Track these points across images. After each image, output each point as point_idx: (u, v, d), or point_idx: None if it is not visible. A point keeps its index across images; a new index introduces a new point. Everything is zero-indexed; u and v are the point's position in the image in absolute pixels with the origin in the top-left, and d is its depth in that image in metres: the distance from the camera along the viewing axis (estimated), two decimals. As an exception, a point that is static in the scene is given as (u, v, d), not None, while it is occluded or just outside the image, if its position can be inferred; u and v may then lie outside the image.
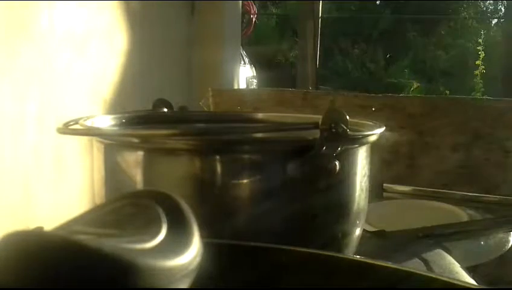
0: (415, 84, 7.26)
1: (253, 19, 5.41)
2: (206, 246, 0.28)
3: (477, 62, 7.09)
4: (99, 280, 0.21)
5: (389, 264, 0.36)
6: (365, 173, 0.55)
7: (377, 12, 9.51)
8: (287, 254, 0.38)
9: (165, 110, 0.70)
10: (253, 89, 4.84)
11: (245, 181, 0.50)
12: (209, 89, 1.34)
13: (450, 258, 0.70)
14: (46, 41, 1.35)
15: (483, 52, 7.03)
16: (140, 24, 1.76)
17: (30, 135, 1.30)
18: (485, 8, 10.81)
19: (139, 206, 0.29)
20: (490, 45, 8.05)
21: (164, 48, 1.93)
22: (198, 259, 0.26)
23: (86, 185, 1.40)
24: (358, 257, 0.43)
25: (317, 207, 0.51)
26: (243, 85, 4.60)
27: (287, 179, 0.49)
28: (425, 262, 0.67)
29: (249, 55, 5.87)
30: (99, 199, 0.56)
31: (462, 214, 0.87)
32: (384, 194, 1.05)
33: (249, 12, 5.23)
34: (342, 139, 0.48)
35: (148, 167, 0.52)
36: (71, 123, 0.56)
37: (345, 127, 0.48)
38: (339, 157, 0.50)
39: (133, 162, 0.52)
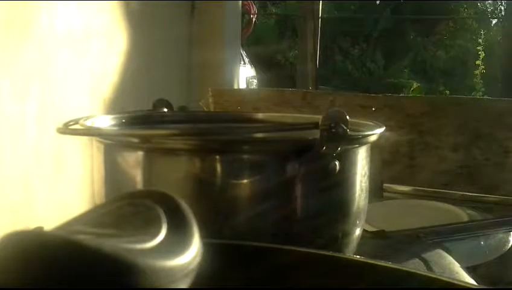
0: (415, 84, 7.26)
1: (253, 19, 5.41)
2: (206, 246, 0.28)
3: (477, 62, 7.10)
4: (99, 280, 0.21)
5: (389, 264, 0.36)
6: (365, 173, 0.55)
7: (377, 12, 9.50)
8: (287, 254, 0.38)
9: (165, 110, 0.70)
10: (253, 89, 4.84)
11: (245, 181, 0.50)
12: (209, 89, 1.34)
13: (450, 258, 0.70)
14: (46, 41, 1.35)
15: (483, 52, 7.03)
16: (140, 24, 1.76)
17: (30, 135, 1.30)
18: (485, 8, 10.81)
19: (139, 206, 0.29)
20: (490, 45, 8.06)
21: (164, 48, 1.93)
22: (198, 259, 0.26)
23: (85, 185, 1.40)
24: (358, 257, 0.43)
25: (317, 207, 0.51)
26: (243, 85, 4.60)
27: (287, 179, 0.49)
28: (425, 262, 0.67)
29: (249, 55, 5.87)
30: (99, 199, 0.56)
31: (462, 214, 0.87)
32: (384, 194, 1.05)
33: (249, 12, 5.22)
34: (342, 139, 0.48)
35: (148, 167, 0.52)
36: (71, 123, 0.56)
37: (345, 127, 0.48)
38: (339, 157, 0.50)
39: (133, 162, 0.52)
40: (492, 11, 10.59)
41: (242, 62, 4.77)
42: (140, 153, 0.51)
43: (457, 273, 0.66)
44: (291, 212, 0.50)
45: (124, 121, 0.64)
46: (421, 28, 9.44)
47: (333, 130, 0.48)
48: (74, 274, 0.21)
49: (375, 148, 0.57)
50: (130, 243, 0.24)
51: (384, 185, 1.07)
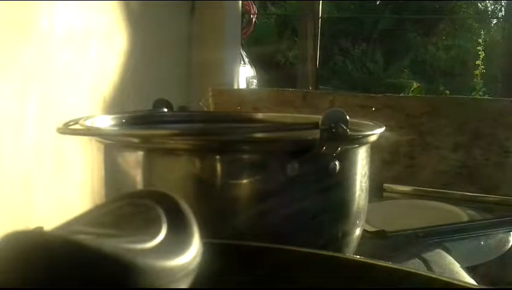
0: (415, 84, 7.26)
1: (253, 19, 5.41)
2: (206, 246, 0.28)
3: (477, 62, 7.10)
4: (99, 280, 0.21)
5: (389, 264, 0.36)
6: (365, 173, 0.55)
7: (377, 12, 9.51)
8: (287, 254, 0.38)
9: (165, 110, 0.70)
10: (253, 89, 4.84)
11: (245, 181, 0.50)
12: (209, 89, 1.34)
13: (450, 258, 0.70)
14: (46, 41, 1.35)
15: (483, 52, 7.03)
16: (140, 24, 1.76)
17: (30, 134, 1.30)
18: (485, 8, 10.81)
19: (139, 206, 0.29)
20: (490, 45, 8.05)
21: (164, 48, 1.93)
22: (198, 259, 0.26)
23: (86, 185, 1.40)
24: (358, 257, 0.43)
25: (317, 207, 0.51)
26: (243, 85, 4.60)
27: (287, 179, 0.49)
28: (425, 262, 0.67)
29: (249, 55, 5.87)
30: (99, 199, 0.56)
31: (462, 214, 0.87)
32: (384, 194, 1.05)
33: (249, 12, 5.22)
34: (342, 139, 0.48)
35: (148, 167, 0.52)
36: (71, 123, 0.56)
37: (345, 127, 0.48)
38: (339, 157, 0.50)
39: (133, 162, 0.52)
40: (492, 11, 10.59)
41: (242, 62, 4.77)
42: (140, 153, 0.51)
43: (457, 273, 0.66)
44: (291, 212, 0.50)
45: (124, 121, 0.64)
46: (421, 28, 9.45)
47: (333, 130, 0.48)
48: (74, 274, 0.21)
49: (375, 148, 0.57)
50: (130, 243, 0.24)
51: (384, 185, 1.08)
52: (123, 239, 0.24)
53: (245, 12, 4.88)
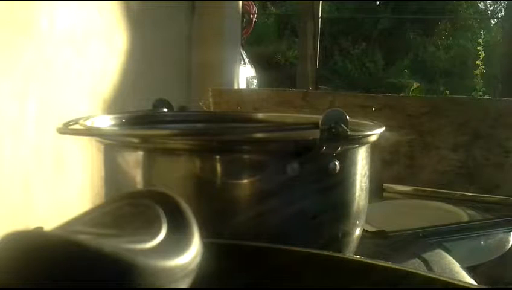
0: (415, 84, 7.25)
1: (253, 19, 5.41)
2: (206, 246, 0.28)
3: (477, 62, 7.09)
4: (99, 280, 0.21)
5: (389, 264, 0.36)
6: (365, 173, 0.55)
7: (377, 12, 9.50)
8: (287, 254, 0.38)
9: (165, 110, 0.70)
10: (253, 89, 4.84)
11: (245, 181, 0.50)
12: (209, 89, 1.34)
13: (450, 258, 0.70)
14: (46, 41, 1.35)
15: (483, 52, 7.03)
16: (140, 24, 1.76)
17: (30, 134, 1.30)
18: (485, 8, 10.82)
19: (139, 206, 0.29)
20: (490, 45, 8.06)
21: (164, 48, 1.93)
22: (198, 259, 0.26)
23: (86, 185, 1.40)
24: (358, 257, 0.43)
25: (317, 207, 0.51)
26: (243, 85, 4.60)
27: (287, 179, 0.49)
28: (425, 262, 0.67)
29: (249, 55, 5.87)
30: (99, 199, 0.56)
31: (462, 214, 0.87)
32: (384, 194, 1.05)
33: (249, 12, 5.22)
34: (342, 139, 0.48)
35: (148, 167, 0.52)
36: (71, 123, 0.56)
37: (345, 127, 0.48)
38: (339, 157, 0.50)
39: (133, 162, 0.52)
40: (493, 11, 10.59)
41: (242, 62, 4.77)
42: (140, 153, 0.51)
43: (457, 273, 0.66)
44: (291, 212, 0.50)
45: (124, 121, 0.64)
46: (421, 28, 9.44)
47: (333, 130, 0.48)
48: (74, 274, 0.21)
49: (375, 148, 0.57)
50: (130, 243, 0.24)
51: (384, 185, 1.08)
52: (123, 239, 0.24)
53: (245, 12, 4.88)
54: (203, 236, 0.28)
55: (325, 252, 0.38)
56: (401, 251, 0.71)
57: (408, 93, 5.95)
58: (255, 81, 5.92)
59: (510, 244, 0.78)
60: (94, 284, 0.21)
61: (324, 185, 0.51)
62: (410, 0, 9.22)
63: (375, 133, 0.54)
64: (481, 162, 1.13)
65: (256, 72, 6.08)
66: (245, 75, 5.27)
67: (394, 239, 0.75)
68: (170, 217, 0.28)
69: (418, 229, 0.78)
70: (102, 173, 0.56)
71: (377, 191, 1.02)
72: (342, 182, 0.52)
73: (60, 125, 0.55)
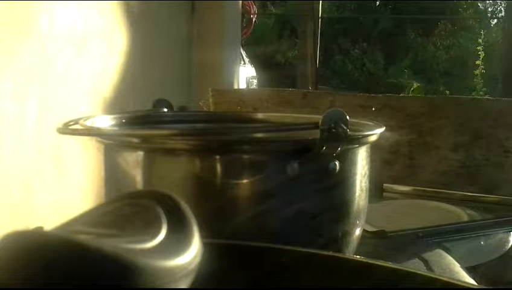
0: (415, 84, 7.25)
1: (253, 19, 5.41)
2: (206, 246, 0.28)
3: (477, 62, 7.10)
4: (99, 280, 0.21)
5: (389, 264, 0.36)
6: (365, 173, 0.55)
7: (377, 12, 9.51)
8: (287, 254, 0.38)
9: (165, 110, 0.70)
10: (253, 89, 4.84)
11: (245, 181, 0.50)
12: (209, 89, 1.34)
13: (450, 258, 0.70)
14: (46, 41, 1.35)
15: (483, 52, 7.03)
16: (140, 24, 1.76)
17: (30, 134, 1.30)
18: (484, 8, 10.81)
19: (139, 206, 0.29)
20: (490, 45, 8.06)
21: (164, 48, 1.93)
22: (198, 259, 0.26)
23: (86, 185, 1.40)
24: (358, 257, 0.43)
25: (317, 207, 0.51)
26: (243, 85, 4.60)
27: (287, 179, 0.49)
28: (425, 262, 0.67)
29: (249, 55, 5.88)
30: (99, 199, 0.56)
31: (462, 214, 0.87)
32: (384, 194, 1.05)
33: (249, 13, 5.22)
34: (342, 139, 0.48)
35: (148, 167, 0.52)
36: (71, 123, 0.56)
37: (345, 127, 0.48)
38: (339, 157, 0.50)
39: (133, 162, 0.52)
40: (493, 11, 10.59)
41: (242, 62, 4.77)
42: (140, 153, 0.51)
43: (457, 273, 0.66)
44: (291, 212, 0.50)
45: (124, 121, 0.64)
46: (421, 28, 9.45)
47: (333, 130, 0.48)
48: (74, 274, 0.21)
49: (375, 148, 0.57)
50: (130, 243, 0.24)
51: (384, 185, 1.07)
52: (123, 239, 0.24)
53: (245, 12, 4.88)
54: (203, 236, 0.28)
55: (325, 252, 0.38)
56: (401, 251, 0.71)
57: (408, 93, 5.96)
58: (255, 81, 5.92)
59: (510, 244, 0.78)
60: (94, 284, 0.21)
61: (324, 185, 0.51)
62: (410, 0, 9.22)
63: (375, 133, 0.54)
64: (481, 162, 1.13)
65: (256, 72, 6.08)
66: (245, 75, 5.27)
67: (394, 239, 0.75)
68: (170, 217, 0.28)
69: (418, 229, 0.78)
70: (102, 173, 0.56)
71: (377, 191, 1.02)
72: (342, 182, 0.52)
73: (60, 125, 0.55)
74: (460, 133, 1.14)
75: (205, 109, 1.31)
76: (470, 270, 0.69)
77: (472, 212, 0.88)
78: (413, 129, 1.16)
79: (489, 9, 10.74)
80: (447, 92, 7.40)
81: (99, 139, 0.55)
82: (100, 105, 1.56)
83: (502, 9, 9.80)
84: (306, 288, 0.36)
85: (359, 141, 0.53)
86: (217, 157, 0.50)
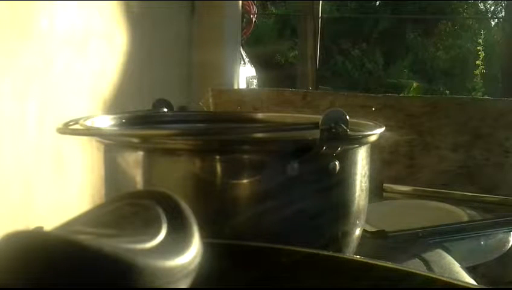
0: (415, 84, 7.26)
1: (253, 19, 5.41)
2: (206, 246, 0.28)
3: (477, 62, 7.10)
4: (99, 280, 0.21)
5: (389, 264, 0.36)
6: (365, 173, 0.55)
7: (377, 12, 9.51)
8: (287, 254, 0.38)
9: (165, 110, 0.70)
10: (253, 89, 4.84)
11: (245, 181, 0.50)
12: (209, 89, 1.34)
13: (450, 258, 0.70)
14: (46, 41, 1.35)
15: (483, 52, 7.04)
16: (140, 24, 1.76)
17: (30, 134, 1.30)
18: (485, 8, 10.82)
19: (139, 206, 0.29)
20: (490, 45, 8.06)
21: (164, 48, 1.93)
22: (198, 259, 0.26)
23: (86, 185, 1.40)
24: (358, 257, 0.43)
25: (317, 207, 0.51)
26: (243, 85, 4.60)
27: (287, 179, 0.49)
28: (425, 262, 0.67)
29: (249, 55, 5.88)
30: (99, 199, 0.56)
31: (462, 214, 0.87)
32: (384, 194, 1.05)
33: (249, 13, 5.22)
34: (342, 139, 0.48)
35: (148, 167, 0.52)
36: (71, 123, 0.56)
37: (345, 127, 0.48)
38: (339, 157, 0.50)
39: (133, 162, 0.52)
40: (493, 11, 10.59)
41: (242, 62, 4.77)
42: (140, 153, 0.51)
43: (457, 273, 0.66)
44: (291, 212, 0.50)
45: (124, 121, 0.64)
46: (421, 28, 9.45)
47: (333, 130, 0.48)
48: (74, 274, 0.21)
49: (375, 148, 0.57)
50: (130, 243, 0.24)
51: (384, 185, 1.07)
52: (123, 239, 0.24)
53: (245, 12, 4.88)
54: (203, 236, 0.28)
55: (325, 252, 0.38)
56: (401, 251, 0.71)
57: (408, 93, 5.96)
58: (255, 81, 5.92)
59: (510, 244, 0.79)
60: (94, 284, 0.21)
61: (324, 185, 0.51)
62: (410, 0, 9.22)
63: (375, 133, 0.54)
64: (481, 162, 1.13)
65: (256, 72, 6.08)
66: (245, 75, 5.27)
67: (394, 239, 0.75)
68: (170, 217, 0.28)
69: (418, 229, 0.78)
70: (102, 173, 0.56)
71: (377, 191, 1.02)
72: (342, 182, 0.52)
73: (60, 125, 0.55)
74: (460, 133, 1.14)
75: (205, 109, 1.31)
76: (470, 270, 0.69)
77: (472, 212, 0.88)
78: (413, 129, 1.16)
79: (490, 10, 10.75)
80: (447, 92, 7.40)
81: (99, 139, 0.55)
82: (100, 105, 1.56)
83: (502, 9, 9.81)
84: (306, 288, 0.36)
85: (359, 141, 0.53)
86: (217, 157, 0.50)
